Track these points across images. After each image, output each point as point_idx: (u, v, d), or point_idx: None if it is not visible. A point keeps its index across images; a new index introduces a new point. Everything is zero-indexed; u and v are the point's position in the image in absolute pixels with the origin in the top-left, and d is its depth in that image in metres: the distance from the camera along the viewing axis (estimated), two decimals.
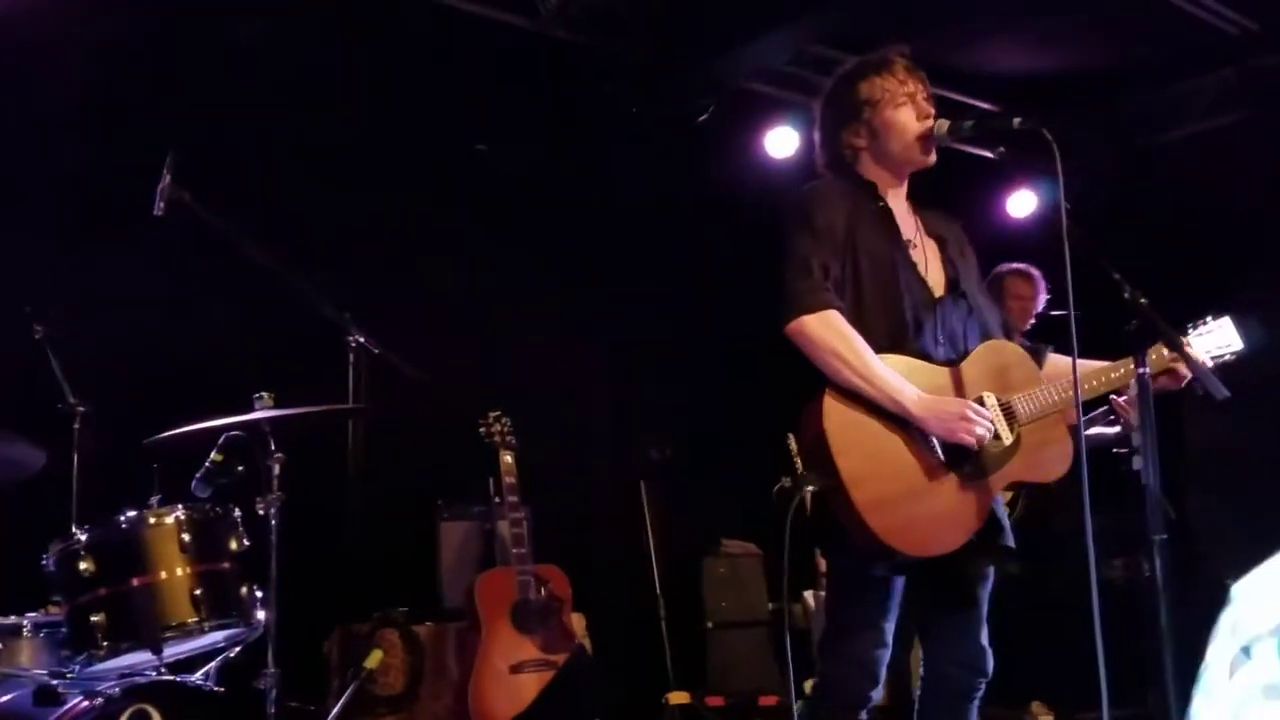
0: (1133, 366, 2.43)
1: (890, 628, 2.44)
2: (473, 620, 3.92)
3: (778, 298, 2.43)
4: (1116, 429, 3.95)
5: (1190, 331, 2.64)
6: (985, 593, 2.55)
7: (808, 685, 3.06)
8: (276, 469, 2.90)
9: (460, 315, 4.96)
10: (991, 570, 2.56)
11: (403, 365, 3.46)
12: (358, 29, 4.45)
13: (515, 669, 3.81)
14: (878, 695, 2.44)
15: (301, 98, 4.50)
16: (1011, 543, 2.53)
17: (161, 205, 3.10)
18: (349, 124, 4.65)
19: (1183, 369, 2.47)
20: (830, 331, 2.36)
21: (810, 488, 2.29)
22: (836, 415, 2.34)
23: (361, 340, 3.42)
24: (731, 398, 5.50)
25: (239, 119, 4.37)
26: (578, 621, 4.24)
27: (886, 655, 2.43)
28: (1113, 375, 2.55)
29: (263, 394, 2.93)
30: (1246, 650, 0.64)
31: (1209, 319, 2.65)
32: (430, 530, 4.50)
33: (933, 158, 2.58)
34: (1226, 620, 0.67)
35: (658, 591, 5.10)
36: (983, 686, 2.53)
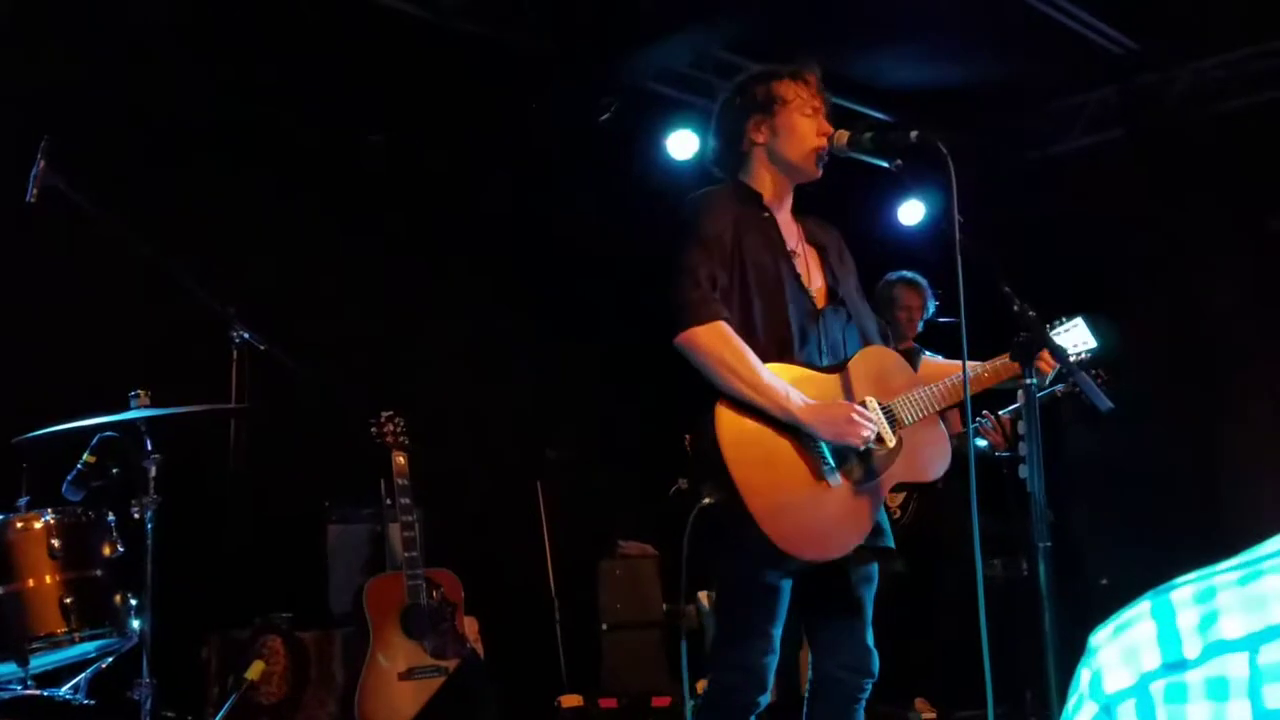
0: (1004, 364, 2.51)
1: (778, 634, 2.46)
2: (361, 626, 3.83)
3: (666, 308, 2.44)
4: (984, 443, 4.14)
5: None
6: (870, 595, 2.60)
7: (700, 685, 3.08)
8: (153, 470, 2.80)
9: (352, 312, 4.86)
10: (876, 572, 2.61)
11: (290, 362, 3.36)
12: (250, 13, 4.32)
13: (404, 675, 3.73)
14: (765, 700, 2.46)
15: (191, 84, 4.34)
16: (891, 543, 2.59)
17: (34, 192, 2.96)
18: (239, 112, 4.50)
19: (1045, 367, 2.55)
20: (719, 342, 2.37)
21: (706, 500, 2.30)
22: (729, 425, 2.36)
23: (246, 336, 3.31)
24: (629, 399, 5.51)
25: (122, 104, 4.19)
26: (470, 625, 4.18)
27: (775, 661, 2.46)
28: (983, 375, 2.61)
29: (139, 391, 2.83)
30: (1108, 709, 0.63)
31: (1064, 319, 2.74)
32: (318, 534, 4.38)
33: (819, 173, 2.64)
34: (1086, 674, 0.65)
35: (553, 594, 5.07)
36: (869, 688, 2.57)
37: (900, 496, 4.45)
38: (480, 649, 4.15)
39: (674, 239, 2.50)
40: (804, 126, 2.60)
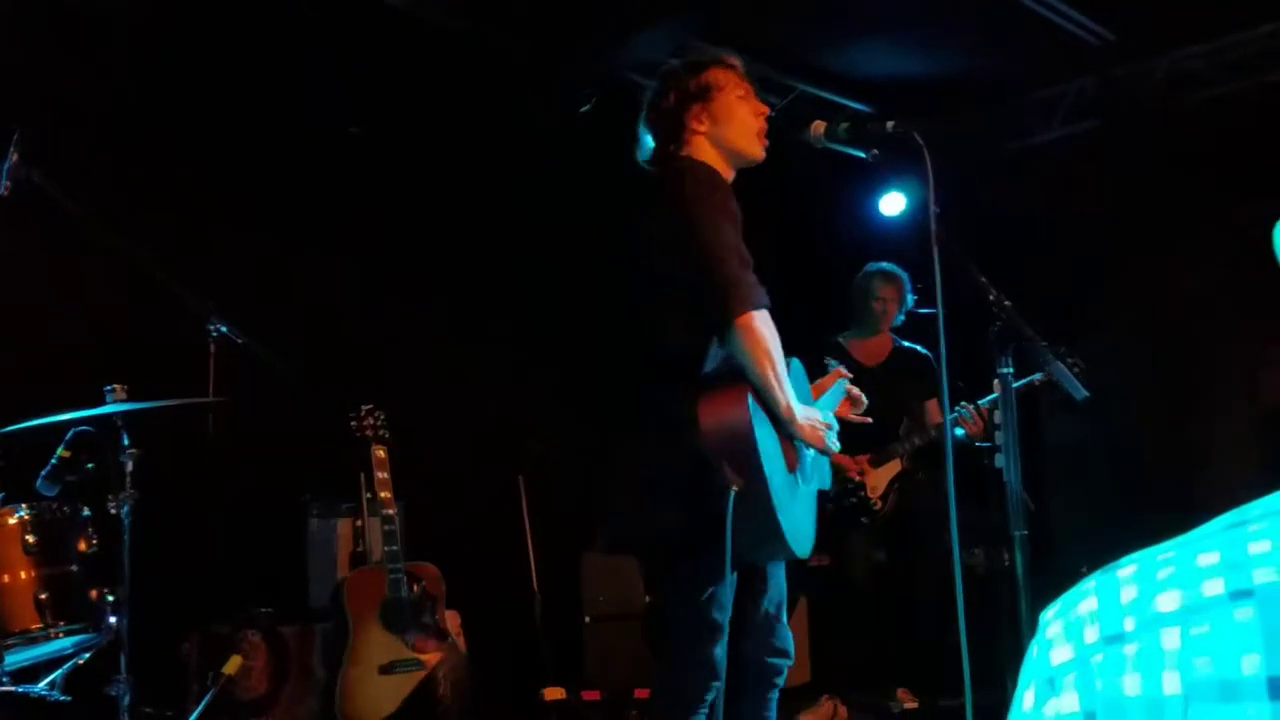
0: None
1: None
2: (341, 621, 3.81)
3: (719, 282, 2.34)
4: (963, 433, 4.18)
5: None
6: (783, 574, 2.62)
7: None
8: (130, 465, 2.78)
9: (331, 305, 4.83)
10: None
11: (268, 356, 3.34)
12: (226, 4, 4.28)
13: (385, 670, 3.72)
14: (719, 686, 2.47)
15: (167, 76, 4.30)
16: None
17: (7, 185, 2.93)
18: (216, 104, 4.46)
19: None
20: (769, 330, 2.38)
21: (735, 488, 2.24)
22: (756, 415, 2.36)
23: (224, 329, 3.28)
24: (611, 392, 5.49)
25: (97, 96, 4.15)
26: (452, 619, 4.17)
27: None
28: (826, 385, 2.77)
29: (115, 386, 2.81)
30: (1052, 682, 0.65)
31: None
32: (298, 528, 4.36)
33: (763, 155, 2.63)
34: (1034, 649, 0.68)
35: (535, 587, 5.06)
36: (785, 669, 2.58)
37: (881, 487, 4.47)
38: (462, 643, 4.14)
39: (709, 210, 2.41)
40: (742, 109, 2.60)
